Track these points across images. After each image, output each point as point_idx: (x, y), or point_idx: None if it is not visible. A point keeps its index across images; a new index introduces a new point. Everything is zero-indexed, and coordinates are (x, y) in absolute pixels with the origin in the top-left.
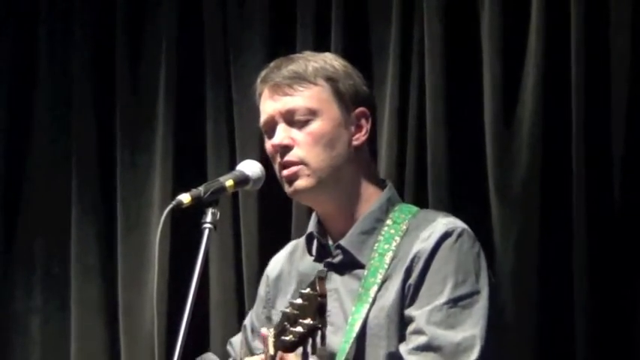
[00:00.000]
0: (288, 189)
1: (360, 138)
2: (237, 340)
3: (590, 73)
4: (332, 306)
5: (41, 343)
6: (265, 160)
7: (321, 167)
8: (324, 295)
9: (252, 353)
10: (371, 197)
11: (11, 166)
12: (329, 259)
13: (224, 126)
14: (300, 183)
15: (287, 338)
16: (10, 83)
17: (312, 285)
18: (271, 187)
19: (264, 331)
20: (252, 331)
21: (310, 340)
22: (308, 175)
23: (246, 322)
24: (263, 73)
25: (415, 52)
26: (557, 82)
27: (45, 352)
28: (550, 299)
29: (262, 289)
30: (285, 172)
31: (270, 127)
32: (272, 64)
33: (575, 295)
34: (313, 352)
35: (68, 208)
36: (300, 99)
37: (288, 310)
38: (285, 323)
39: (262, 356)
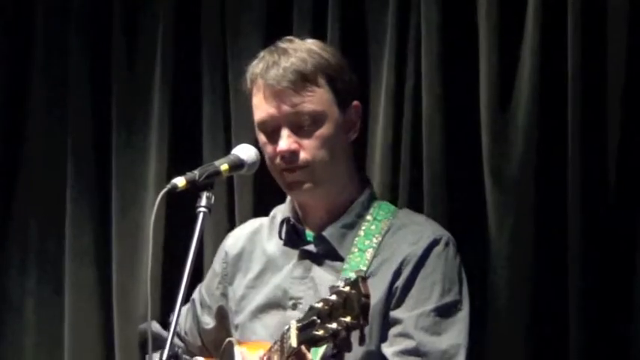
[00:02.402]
0: (289, 190)
1: (353, 134)
2: (182, 312)
3: (587, 59)
4: (306, 293)
5: (35, 325)
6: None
7: (324, 169)
8: (368, 296)
9: (200, 327)
10: (354, 192)
11: (6, 147)
12: (306, 247)
13: (220, 110)
14: (305, 187)
15: (317, 332)
16: (5, 65)
17: (352, 284)
18: (266, 171)
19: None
20: (202, 305)
21: (342, 338)
22: (312, 178)
23: (195, 295)
24: (259, 67)
25: (412, 38)
26: (554, 69)
27: (39, 334)
28: (544, 285)
29: (218, 265)
30: (291, 177)
31: (269, 128)
32: (266, 56)
33: (569, 281)
34: (348, 351)
35: (63, 189)
36: (306, 105)
37: (319, 306)
38: (315, 318)
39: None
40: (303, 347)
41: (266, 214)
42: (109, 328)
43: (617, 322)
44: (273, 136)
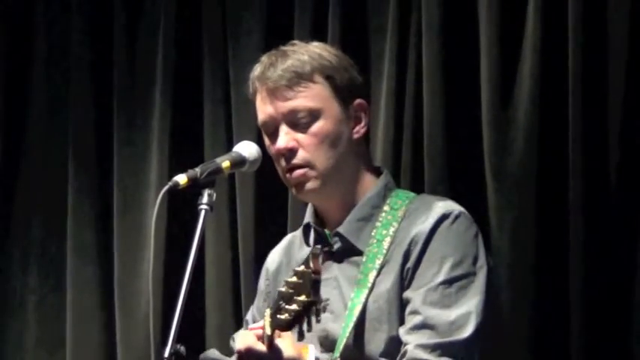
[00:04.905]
0: (295, 192)
1: (359, 131)
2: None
3: (588, 57)
4: (331, 294)
5: (37, 323)
6: (262, 143)
7: (326, 167)
8: (317, 272)
9: None
10: (368, 185)
11: (8, 145)
12: (326, 248)
13: (221, 107)
14: (308, 186)
15: (282, 317)
16: (6, 61)
17: (305, 262)
18: (268, 168)
19: (252, 326)
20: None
21: (306, 318)
22: (315, 178)
23: (248, 316)
24: (258, 70)
25: (413, 33)
26: (555, 66)
27: (41, 332)
28: (545, 284)
29: (262, 283)
30: (293, 177)
31: (271, 128)
32: (265, 60)
33: (570, 279)
34: (309, 330)
35: (65, 187)
36: (301, 100)
37: (283, 289)
38: (281, 302)
39: (258, 331)
40: (278, 332)
41: (267, 211)
42: (111, 326)
43: (618, 321)
44: (275, 137)
